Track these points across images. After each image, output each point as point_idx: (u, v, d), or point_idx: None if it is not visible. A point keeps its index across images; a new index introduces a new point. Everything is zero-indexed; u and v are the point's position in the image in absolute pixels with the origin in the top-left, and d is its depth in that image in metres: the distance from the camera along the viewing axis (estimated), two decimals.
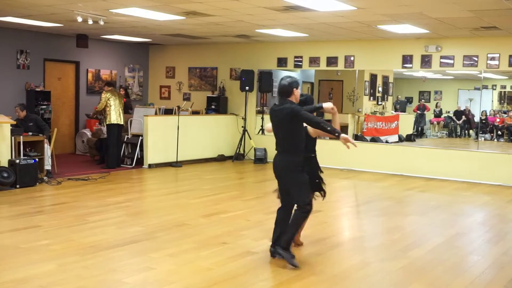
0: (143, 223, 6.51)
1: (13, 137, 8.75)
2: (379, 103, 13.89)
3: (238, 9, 8.45)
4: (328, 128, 4.77)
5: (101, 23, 9.81)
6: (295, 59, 12.67)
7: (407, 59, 11.37)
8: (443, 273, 4.99)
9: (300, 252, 5.21)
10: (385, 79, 13.93)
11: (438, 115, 16.07)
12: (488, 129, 14.97)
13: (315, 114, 5.16)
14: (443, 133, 16.09)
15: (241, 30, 10.86)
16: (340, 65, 12.14)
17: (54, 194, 8.26)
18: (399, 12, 8.23)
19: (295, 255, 5.12)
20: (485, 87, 14.01)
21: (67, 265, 4.85)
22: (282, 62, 12.87)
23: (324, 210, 7.29)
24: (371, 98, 13.47)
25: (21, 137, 8.84)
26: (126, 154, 11.36)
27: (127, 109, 12.18)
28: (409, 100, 16.06)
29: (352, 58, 11.96)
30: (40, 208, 7.34)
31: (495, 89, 14.99)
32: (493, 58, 10.50)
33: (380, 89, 13.81)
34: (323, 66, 12.35)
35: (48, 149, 9.30)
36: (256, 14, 8.87)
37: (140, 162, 11.21)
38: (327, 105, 5.13)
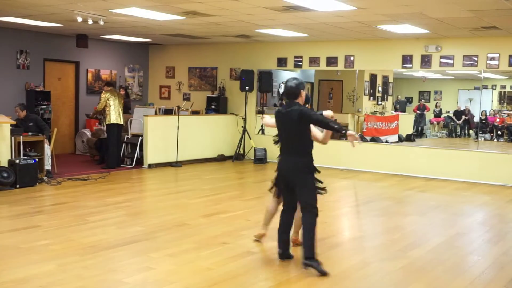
0: (143, 223, 6.51)
1: (13, 137, 8.74)
2: (379, 103, 13.90)
3: (238, 9, 8.45)
4: (336, 127, 4.81)
5: (101, 23, 9.81)
6: (295, 59, 12.67)
7: (407, 59, 11.37)
8: (443, 273, 4.99)
9: (300, 252, 5.21)
10: (385, 79, 13.94)
11: (438, 115, 16.08)
12: (488, 129, 14.97)
13: None
14: (443, 133, 16.10)
15: (241, 30, 10.86)
16: (340, 65, 12.15)
17: (54, 194, 8.26)
18: (399, 12, 8.23)
19: (294, 254, 5.14)
20: (485, 87, 14.01)
21: (67, 265, 4.85)
22: (282, 62, 12.87)
23: (324, 210, 7.27)
24: (371, 98, 13.47)
25: (21, 137, 8.84)
26: (126, 154, 11.36)
27: (127, 109, 12.19)
28: (409, 100, 16.07)
29: (352, 58, 11.96)
30: (40, 208, 7.34)
31: (495, 89, 14.99)
32: (493, 58, 10.50)
33: (380, 89, 13.81)
34: (323, 66, 12.35)
35: (48, 149, 9.30)
36: (256, 14, 8.87)
37: (140, 162, 11.21)
38: (327, 113, 5.11)
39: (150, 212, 7.37)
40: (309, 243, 4.78)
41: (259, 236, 5.79)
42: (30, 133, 9.14)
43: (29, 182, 8.55)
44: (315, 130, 5.21)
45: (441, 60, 11.02)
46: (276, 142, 5.20)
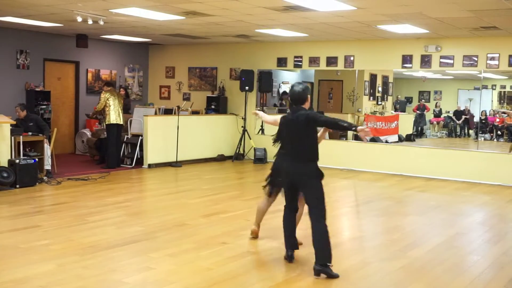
0: (143, 223, 6.51)
1: (13, 137, 8.74)
2: (379, 103, 13.90)
3: (238, 9, 8.45)
4: (345, 125, 4.81)
5: (101, 23, 9.81)
6: (295, 59, 12.67)
7: (407, 59, 11.37)
8: (443, 273, 4.99)
9: (300, 252, 5.21)
10: (385, 79, 13.94)
11: (437, 115, 16.09)
12: (487, 129, 14.98)
13: None
14: (442, 133, 16.11)
15: (241, 30, 10.86)
16: (340, 65, 12.14)
17: (54, 194, 8.26)
18: (399, 12, 8.23)
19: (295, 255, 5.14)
20: (485, 87, 14.02)
21: (66, 265, 4.84)
22: (282, 62, 12.87)
23: None
24: (371, 98, 13.47)
25: (21, 137, 8.84)
26: (126, 154, 11.36)
27: (127, 109, 12.19)
28: (409, 100, 16.09)
29: (352, 58, 11.96)
30: (40, 208, 7.34)
31: (494, 89, 15.01)
32: (492, 58, 10.50)
33: (380, 89, 13.82)
34: (323, 66, 12.35)
35: (48, 149, 9.30)
36: (256, 14, 8.87)
37: (140, 162, 11.21)
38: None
39: (150, 212, 7.37)
40: (328, 252, 4.68)
41: (253, 232, 5.83)
42: (30, 133, 9.14)
43: (29, 182, 8.55)
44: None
45: (441, 60, 11.02)
46: (275, 141, 5.19)
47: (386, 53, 11.57)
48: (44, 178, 9.00)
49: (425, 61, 11.18)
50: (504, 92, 15.18)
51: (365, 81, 12.97)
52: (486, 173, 10.39)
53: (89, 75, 13.65)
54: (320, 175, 4.82)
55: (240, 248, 5.55)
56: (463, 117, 15.55)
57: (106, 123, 10.64)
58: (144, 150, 11.12)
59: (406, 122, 14.79)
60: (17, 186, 8.41)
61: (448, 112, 16.02)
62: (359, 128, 4.67)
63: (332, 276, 4.65)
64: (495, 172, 10.33)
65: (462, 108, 15.62)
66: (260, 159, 12.37)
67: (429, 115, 16.08)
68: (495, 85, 14.89)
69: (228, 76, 13.70)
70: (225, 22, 9.80)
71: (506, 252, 5.79)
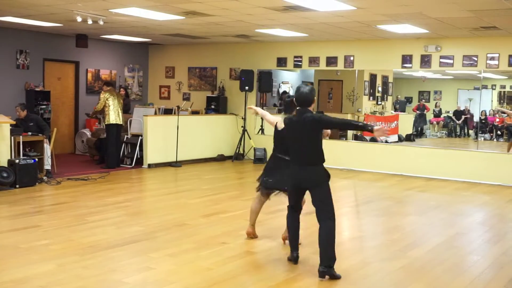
0: (143, 223, 6.51)
1: (12, 137, 8.74)
2: (379, 103, 13.90)
3: (238, 9, 8.45)
4: (360, 124, 4.74)
5: (101, 23, 9.80)
6: (295, 59, 12.67)
7: (406, 59, 11.37)
8: (443, 273, 4.99)
9: (300, 252, 5.20)
10: (385, 79, 13.94)
11: (437, 115, 16.09)
12: (487, 129, 14.98)
13: None
14: (442, 133, 16.10)
15: (241, 30, 10.86)
16: (340, 65, 12.15)
17: (54, 194, 8.26)
18: (398, 12, 8.23)
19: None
20: (485, 87, 14.02)
21: (66, 265, 4.84)
22: (281, 62, 12.87)
23: None
24: (371, 98, 13.47)
25: (21, 137, 8.84)
26: (125, 154, 11.36)
27: (127, 109, 12.18)
28: (409, 100, 16.08)
29: (351, 58, 11.96)
30: (40, 208, 7.34)
31: (494, 89, 15.00)
32: (492, 58, 10.50)
33: (380, 89, 13.82)
34: (322, 66, 12.35)
35: (48, 149, 9.29)
36: (256, 14, 8.87)
37: (139, 162, 11.21)
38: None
39: (150, 212, 7.37)
40: (328, 252, 4.66)
41: (248, 234, 5.85)
42: (30, 133, 9.14)
43: (28, 182, 8.55)
44: None
45: (441, 60, 11.02)
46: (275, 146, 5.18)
47: (386, 53, 11.57)
48: (44, 178, 9.00)
49: (425, 61, 11.18)
50: (504, 92, 15.18)
51: (365, 81, 12.96)
52: (486, 173, 10.39)
53: (89, 75, 13.65)
54: (328, 176, 4.80)
55: (240, 248, 5.55)
56: (463, 117, 15.55)
57: (106, 123, 10.63)
58: (144, 150, 11.11)
59: (406, 122, 14.79)
60: (17, 186, 8.41)
61: (448, 112, 16.01)
62: (375, 128, 4.55)
63: (335, 277, 4.65)
64: (495, 172, 10.33)
65: (462, 108, 15.62)
66: (260, 159, 12.37)
67: (429, 115, 16.07)
68: (495, 85, 14.89)
69: (228, 76, 13.70)
70: (225, 22, 9.80)
71: (506, 252, 5.80)
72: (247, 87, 12.70)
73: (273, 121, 5.62)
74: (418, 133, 15.50)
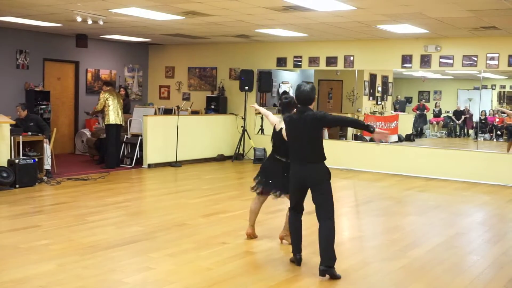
0: (143, 223, 6.51)
1: (12, 137, 8.74)
2: (379, 103, 13.90)
3: (237, 9, 8.45)
4: (361, 123, 4.76)
5: (101, 23, 9.80)
6: (295, 59, 12.67)
7: (406, 59, 11.37)
8: (443, 273, 4.99)
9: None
10: (385, 79, 13.94)
11: (437, 115, 16.09)
12: (487, 129, 14.98)
13: None
14: (442, 133, 16.10)
15: (241, 30, 10.86)
16: (340, 65, 12.15)
17: (54, 194, 8.26)
18: (398, 12, 8.23)
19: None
20: (485, 87, 14.02)
21: (66, 265, 4.84)
22: (281, 62, 12.87)
23: None
24: (371, 98, 13.47)
25: (21, 137, 8.84)
26: (125, 154, 11.36)
27: (127, 110, 12.17)
28: (409, 100, 16.08)
29: (351, 58, 11.96)
30: (40, 208, 7.34)
31: (494, 89, 15.00)
32: (492, 58, 10.50)
33: (380, 89, 13.82)
34: (322, 66, 12.35)
35: (47, 149, 9.29)
36: (256, 14, 8.87)
37: (139, 162, 11.20)
38: None
39: (150, 212, 7.37)
40: (328, 252, 4.65)
41: (248, 234, 5.85)
42: (30, 133, 9.14)
43: (28, 182, 8.55)
44: None
45: (441, 60, 11.03)
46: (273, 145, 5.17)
47: (386, 53, 11.57)
48: (44, 178, 8.99)
49: (425, 61, 11.18)
50: (504, 92, 15.18)
51: (364, 81, 12.96)
52: (485, 173, 10.39)
53: (89, 75, 13.65)
54: (329, 175, 4.78)
55: (240, 248, 5.55)
56: (463, 117, 15.55)
57: (105, 123, 10.63)
58: (143, 150, 11.11)
59: (405, 122, 14.79)
60: (17, 186, 8.40)
61: (448, 112, 16.01)
62: (377, 130, 4.55)
63: (336, 277, 4.65)
64: (494, 172, 10.33)
65: (461, 108, 15.62)
66: (259, 159, 12.37)
67: (428, 115, 16.07)
68: (494, 85, 14.89)
69: (228, 76, 13.69)
70: (225, 22, 9.80)
71: (505, 252, 5.80)
72: (247, 87, 12.70)
73: (272, 122, 5.63)
74: (418, 133, 15.50)
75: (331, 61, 12.20)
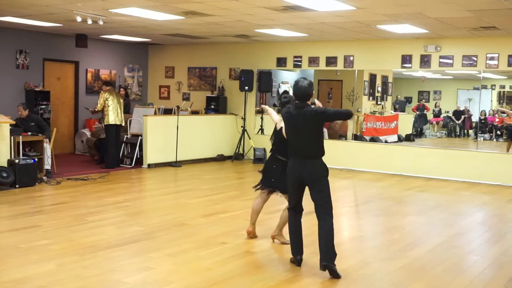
0: (143, 223, 6.51)
1: (12, 137, 8.74)
2: (379, 103, 13.90)
3: (237, 9, 8.45)
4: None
5: (100, 23, 9.80)
6: (295, 59, 12.67)
7: (406, 59, 11.37)
8: (443, 273, 4.99)
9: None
10: (385, 79, 13.94)
11: (437, 115, 16.08)
12: (487, 129, 14.98)
13: None
14: (442, 133, 16.10)
15: (241, 30, 10.86)
16: (340, 65, 12.15)
17: (54, 194, 8.26)
18: (398, 12, 8.23)
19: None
20: (484, 87, 14.01)
21: (66, 265, 4.84)
22: (281, 62, 12.87)
23: None
24: (371, 98, 13.47)
25: (21, 137, 8.84)
26: (125, 154, 11.36)
27: (127, 110, 12.17)
28: (409, 100, 16.07)
29: (351, 58, 11.96)
30: (40, 208, 7.34)
31: (494, 89, 15.00)
32: (492, 58, 10.50)
33: (380, 89, 13.82)
34: (322, 66, 12.35)
35: (47, 149, 9.29)
36: (256, 14, 8.87)
37: (139, 162, 11.20)
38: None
39: (150, 212, 7.37)
40: (328, 250, 4.66)
41: (248, 233, 5.86)
42: (30, 133, 9.14)
43: (28, 182, 8.55)
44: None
45: (441, 60, 11.03)
46: (272, 143, 5.18)
47: (386, 53, 11.57)
48: (44, 178, 9.00)
49: (425, 61, 11.18)
50: (504, 92, 15.17)
51: (364, 81, 12.96)
52: (485, 173, 10.40)
53: (89, 75, 13.65)
54: (327, 171, 4.78)
55: (240, 248, 5.55)
56: (463, 117, 15.55)
57: (105, 123, 10.62)
58: (143, 150, 11.11)
59: (405, 122, 14.79)
60: (17, 186, 8.40)
61: (448, 112, 16.01)
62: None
63: (336, 274, 4.66)
64: (494, 172, 10.33)
65: (461, 108, 15.62)
66: (259, 159, 12.37)
67: (428, 115, 16.07)
68: (494, 85, 14.88)
69: (228, 76, 13.70)
70: (225, 22, 9.80)
71: (505, 252, 5.80)
72: (246, 87, 12.70)
73: (274, 120, 5.67)
74: (418, 133, 15.50)
75: (331, 61, 12.21)
